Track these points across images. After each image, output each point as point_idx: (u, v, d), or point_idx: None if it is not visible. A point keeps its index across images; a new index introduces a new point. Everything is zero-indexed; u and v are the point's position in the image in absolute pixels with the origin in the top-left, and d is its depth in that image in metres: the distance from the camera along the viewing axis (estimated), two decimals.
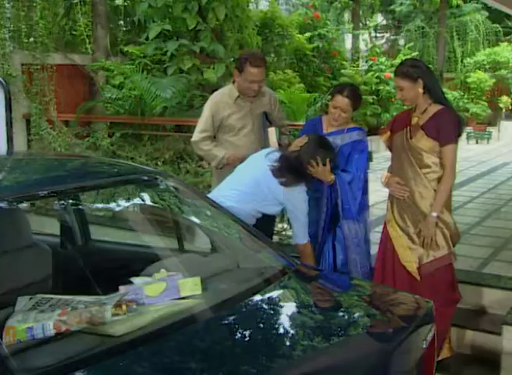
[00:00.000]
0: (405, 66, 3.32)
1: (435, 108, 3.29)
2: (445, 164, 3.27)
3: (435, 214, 3.27)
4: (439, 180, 3.31)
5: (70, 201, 3.11)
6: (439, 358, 3.36)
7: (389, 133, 3.55)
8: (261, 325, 2.10)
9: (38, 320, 1.84)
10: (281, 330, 2.10)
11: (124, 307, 1.96)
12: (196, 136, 3.88)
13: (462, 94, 16.18)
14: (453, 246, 3.40)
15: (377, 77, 13.66)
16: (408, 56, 14.17)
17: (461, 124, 3.33)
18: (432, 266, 3.34)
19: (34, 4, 7.26)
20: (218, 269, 2.50)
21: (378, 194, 3.59)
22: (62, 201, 3.12)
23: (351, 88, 3.54)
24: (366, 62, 15.39)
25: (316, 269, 3.28)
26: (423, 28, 18.24)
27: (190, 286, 2.15)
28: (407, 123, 3.40)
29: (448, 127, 3.25)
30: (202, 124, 3.86)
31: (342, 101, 3.49)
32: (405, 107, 3.58)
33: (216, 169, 3.91)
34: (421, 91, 3.26)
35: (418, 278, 3.35)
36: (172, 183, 2.80)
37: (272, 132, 3.74)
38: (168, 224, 3.19)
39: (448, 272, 3.41)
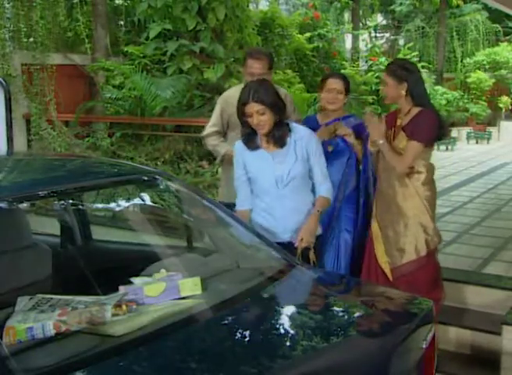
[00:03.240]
0: (396, 65, 3.40)
1: (417, 109, 3.30)
2: (402, 155, 3.26)
3: (381, 141, 3.26)
4: (423, 182, 3.33)
5: (70, 201, 3.11)
6: None
7: None
8: (261, 325, 2.10)
9: (38, 320, 1.84)
10: (281, 330, 2.10)
11: (124, 307, 1.96)
12: (206, 130, 3.93)
13: (462, 94, 16.19)
14: (433, 249, 3.39)
15: (377, 77, 13.66)
16: (408, 56, 14.22)
17: (443, 128, 3.34)
18: (405, 269, 3.35)
19: (34, 4, 7.27)
20: (218, 269, 2.49)
21: None
22: (62, 202, 3.12)
23: (339, 73, 3.60)
24: (366, 62, 15.43)
25: (316, 268, 3.28)
26: (423, 28, 18.26)
27: (190, 286, 2.14)
28: (392, 125, 3.41)
29: (421, 127, 3.25)
30: (213, 119, 3.92)
31: (335, 82, 3.55)
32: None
33: (222, 164, 3.92)
34: (403, 93, 3.28)
35: (391, 278, 3.36)
36: (172, 184, 2.80)
37: None
38: (168, 224, 3.19)
39: (426, 272, 3.39)
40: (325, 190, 3.07)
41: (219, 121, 3.86)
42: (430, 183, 3.41)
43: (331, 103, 3.56)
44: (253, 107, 2.88)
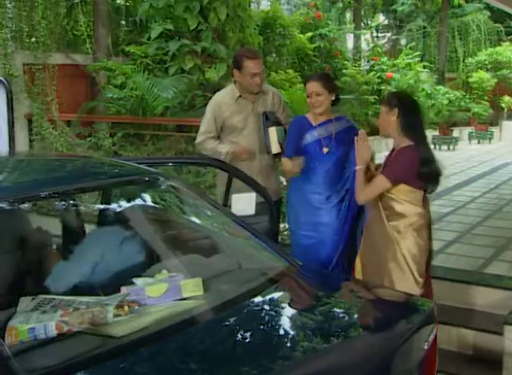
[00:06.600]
0: (390, 94, 3.48)
1: (405, 143, 3.14)
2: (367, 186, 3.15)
3: (358, 167, 3.18)
4: (405, 227, 3.10)
5: (72, 201, 3.11)
6: None
7: None
8: (263, 326, 2.10)
9: (40, 321, 1.84)
10: (282, 331, 2.10)
11: (126, 308, 1.96)
12: (199, 138, 3.86)
13: (464, 93, 16.15)
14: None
15: (379, 77, 13.65)
16: (410, 56, 14.19)
17: (425, 166, 3.06)
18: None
19: (36, 4, 7.28)
20: (220, 269, 2.50)
21: None
22: (64, 202, 3.12)
23: (318, 73, 3.63)
24: (368, 61, 15.42)
25: (317, 269, 3.28)
26: (425, 28, 18.22)
27: (192, 287, 2.15)
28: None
29: (394, 163, 3.14)
30: (205, 126, 3.85)
31: (312, 85, 3.54)
32: None
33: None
34: (393, 119, 3.14)
35: None
36: (174, 184, 2.80)
37: (273, 132, 3.72)
38: (169, 225, 3.19)
39: None
40: None
41: (213, 127, 3.81)
42: (415, 230, 3.12)
43: (315, 107, 3.56)
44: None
